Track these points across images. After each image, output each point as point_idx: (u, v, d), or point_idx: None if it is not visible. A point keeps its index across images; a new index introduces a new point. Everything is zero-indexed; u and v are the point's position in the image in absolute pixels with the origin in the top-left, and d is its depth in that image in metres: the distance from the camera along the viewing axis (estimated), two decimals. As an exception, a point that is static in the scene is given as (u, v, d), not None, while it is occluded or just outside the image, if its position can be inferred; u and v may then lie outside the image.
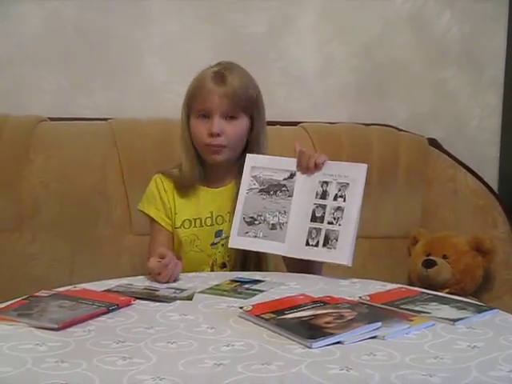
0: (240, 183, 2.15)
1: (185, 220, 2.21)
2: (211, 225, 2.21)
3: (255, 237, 2.05)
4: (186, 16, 2.95)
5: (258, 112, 2.21)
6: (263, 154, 2.19)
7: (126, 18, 2.93)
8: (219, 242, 2.21)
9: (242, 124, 2.17)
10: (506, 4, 3.02)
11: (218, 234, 2.21)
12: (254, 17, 2.97)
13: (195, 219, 2.21)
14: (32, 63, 2.92)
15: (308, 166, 2.06)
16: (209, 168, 2.22)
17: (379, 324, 1.49)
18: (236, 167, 2.21)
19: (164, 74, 2.94)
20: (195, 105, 2.17)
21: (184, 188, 2.21)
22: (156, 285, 1.84)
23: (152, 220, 2.23)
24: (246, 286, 1.84)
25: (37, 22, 2.90)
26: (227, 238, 2.18)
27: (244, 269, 2.13)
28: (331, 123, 2.92)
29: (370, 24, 3.01)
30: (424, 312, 1.62)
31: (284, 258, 2.11)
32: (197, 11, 2.95)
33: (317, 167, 2.06)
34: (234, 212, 2.15)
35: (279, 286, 1.83)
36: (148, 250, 2.21)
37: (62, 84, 2.93)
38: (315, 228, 2.00)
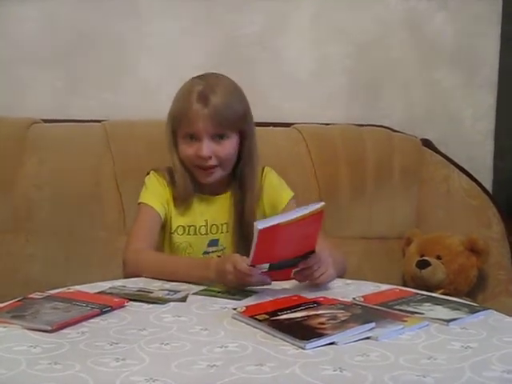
0: (236, 193, 2.17)
1: (179, 226, 2.19)
2: (205, 234, 2.19)
3: None
4: (182, 17, 2.94)
5: (248, 126, 2.18)
6: (254, 169, 2.18)
7: (121, 18, 2.92)
8: (213, 252, 2.19)
9: (231, 142, 2.13)
10: (499, 5, 3.02)
11: (212, 243, 2.20)
12: (249, 17, 2.96)
13: (189, 226, 2.19)
14: (26, 64, 2.91)
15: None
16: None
17: (373, 325, 1.49)
18: (229, 178, 2.19)
19: (159, 75, 2.93)
20: (181, 126, 2.12)
21: (179, 198, 2.18)
22: (149, 286, 1.84)
23: (142, 204, 2.19)
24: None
25: (31, 23, 2.90)
26: (224, 249, 2.18)
27: None
28: (325, 124, 2.92)
29: (364, 25, 3.01)
30: (418, 313, 1.62)
31: None
32: (192, 11, 2.94)
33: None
34: (231, 224, 2.16)
35: (273, 287, 1.83)
36: (131, 232, 2.17)
37: (56, 85, 2.92)
38: None
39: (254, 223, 1.71)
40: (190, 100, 2.09)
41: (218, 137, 2.11)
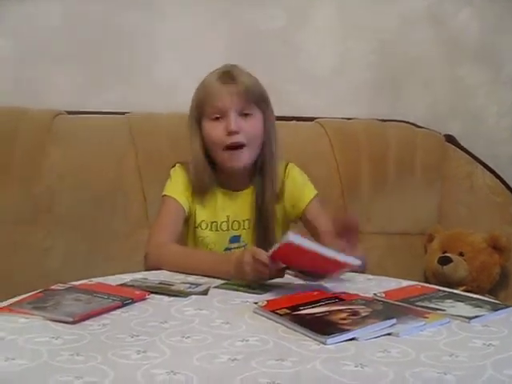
0: (258, 188, 2.15)
1: (202, 221, 2.18)
2: (227, 230, 2.19)
3: None
4: (201, 11, 2.95)
5: (268, 108, 2.18)
6: (275, 161, 2.16)
7: (141, 13, 2.94)
8: (236, 249, 2.18)
9: (257, 119, 2.13)
10: (524, 0, 3.01)
11: (234, 239, 2.19)
12: (270, 13, 2.97)
13: (212, 222, 2.19)
14: (50, 58, 2.93)
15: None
16: (224, 171, 2.17)
17: (394, 321, 1.48)
18: (251, 170, 2.18)
19: (179, 69, 2.94)
20: (207, 108, 2.11)
21: (200, 193, 2.17)
22: (171, 279, 1.84)
23: (166, 197, 2.17)
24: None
25: (54, 18, 2.91)
26: (245, 246, 2.18)
27: None
28: (348, 119, 2.91)
29: (387, 20, 3.01)
30: (439, 309, 1.61)
31: None
32: (212, 6, 2.95)
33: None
34: (253, 220, 2.16)
35: (294, 282, 1.83)
36: (154, 224, 2.17)
37: (78, 79, 2.94)
38: None
39: (289, 232, 1.69)
40: (215, 80, 2.11)
41: (245, 115, 2.11)
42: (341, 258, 1.69)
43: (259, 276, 1.78)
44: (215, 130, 2.10)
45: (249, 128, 2.10)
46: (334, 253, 1.69)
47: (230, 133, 2.08)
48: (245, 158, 2.12)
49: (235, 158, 2.11)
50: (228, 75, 2.11)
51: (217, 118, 2.10)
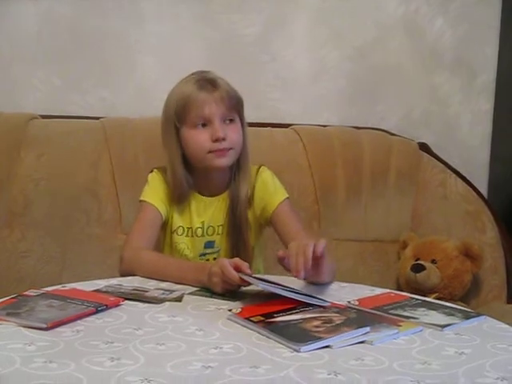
0: (233, 192, 2.16)
1: (179, 227, 2.19)
2: (202, 235, 2.19)
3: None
4: (180, 16, 2.95)
5: (243, 113, 2.18)
6: (248, 167, 2.17)
7: (119, 17, 2.93)
8: (210, 254, 2.19)
9: (239, 126, 2.14)
10: (498, 10, 3.03)
11: (208, 245, 2.19)
12: (248, 18, 2.97)
13: (188, 228, 2.19)
14: (25, 61, 2.92)
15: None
16: (201, 176, 2.17)
17: (368, 329, 1.49)
18: (227, 174, 2.18)
19: (157, 74, 2.93)
20: (190, 116, 2.08)
21: (177, 199, 2.17)
22: (145, 285, 1.84)
23: (144, 202, 2.17)
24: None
25: (30, 20, 2.90)
26: (219, 251, 2.19)
27: None
28: (323, 126, 2.92)
29: (363, 28, 3.02)
30: (412, 317, 1.62)
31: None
32: (191, 11, 2.95)
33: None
34: (227, 225, 2.16)
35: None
36: (132, 229, 2.15)
37: (54, 82, 2.93)
38: None
39: (257, 280, 1.71)
40: (195, 87, 2.09)
41: (228, 120, 2.11)
42: (310, 301, 1.66)
43: (227, 287, 1.78)
44: (200, 138, 2.09)
45: (233, 134, 2.10)
46: (305, 297, 1.66)
47: (218, 139, 2.07)
48: (230, 159, 2.12)
49: (220, 158, 2.10)
50: (209, 82, 2.10)
51: (201, 125, 2.09)
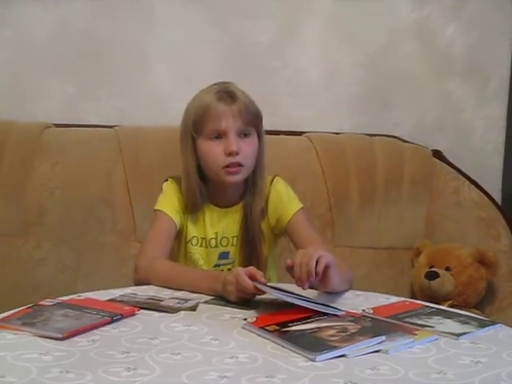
0: (247, 204, 2.15)
1: (193, 237, 2.18)
2: (215, 246, 2.19)
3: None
4: (194, 24, 2.95)
5: (262, 129, 2.17)
6: (264, 178, 2.17)
7: (133, 25, 2.94)
8: (224, 265, 2.19)
9: (254, 141, 2.13)
10: (510, 16, 3.02)
11: (223, 255, 2.19)
12: (261, 25, 2.97)
13: (202, 239, 2.18)
14: (39, 69, 2.93)
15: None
16: (215, 187, 2.16)
17: (383, 338, 1.49)
18: (242, 187, 2.17)
19: (170, 81, 2.95)
20: (207, 127, 2.08)
21: (191, 209, 2.16)
22: (160, 295, 1.84)
23: (158, 211, 2.16)
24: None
25: (44, 28, 2.92)
26: (233, 262, 2.18)
27: None
28: (336, 133, 2.92)
29: (375, 34, 3.02)
30: (427, 326, 1.62)
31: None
32: (204, 19, 2.96)
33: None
34: (241, 237, 2.16)
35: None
36: (146, 238, 2.15)
37: (68, 91, 2.94)
38: None
39: (271, 289, 1.72)
40: (214, 99, 2.08)
41: (244, 134, 2.10)
42: (325, 310, 1.66)
43: (241, 296, 1.79)
44: (214, 150, 2.08)
45: (247, 149, 2.09)
46: (319, 306, 1.67)
47: (231, 153, 2.06)
48: (242, 176, 2.11)
49: (232, 175, 2.09)
50: (228, 95, 2.08)
51: (216, 138, 2.09)
